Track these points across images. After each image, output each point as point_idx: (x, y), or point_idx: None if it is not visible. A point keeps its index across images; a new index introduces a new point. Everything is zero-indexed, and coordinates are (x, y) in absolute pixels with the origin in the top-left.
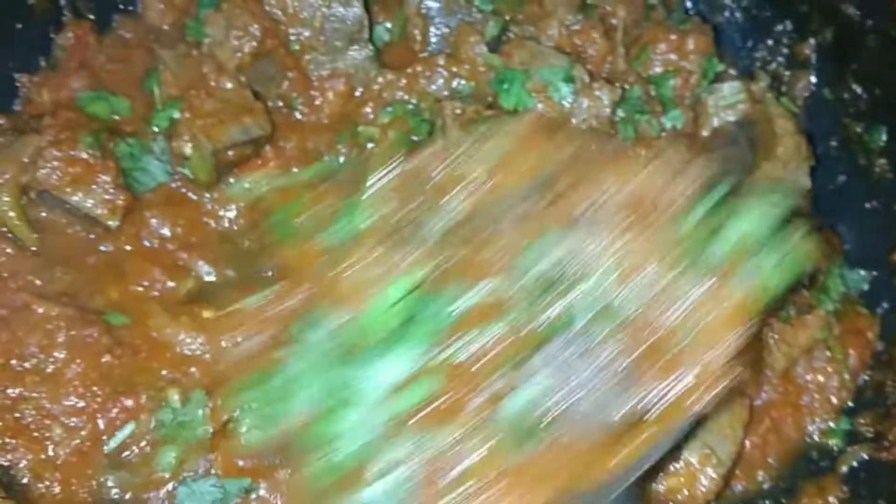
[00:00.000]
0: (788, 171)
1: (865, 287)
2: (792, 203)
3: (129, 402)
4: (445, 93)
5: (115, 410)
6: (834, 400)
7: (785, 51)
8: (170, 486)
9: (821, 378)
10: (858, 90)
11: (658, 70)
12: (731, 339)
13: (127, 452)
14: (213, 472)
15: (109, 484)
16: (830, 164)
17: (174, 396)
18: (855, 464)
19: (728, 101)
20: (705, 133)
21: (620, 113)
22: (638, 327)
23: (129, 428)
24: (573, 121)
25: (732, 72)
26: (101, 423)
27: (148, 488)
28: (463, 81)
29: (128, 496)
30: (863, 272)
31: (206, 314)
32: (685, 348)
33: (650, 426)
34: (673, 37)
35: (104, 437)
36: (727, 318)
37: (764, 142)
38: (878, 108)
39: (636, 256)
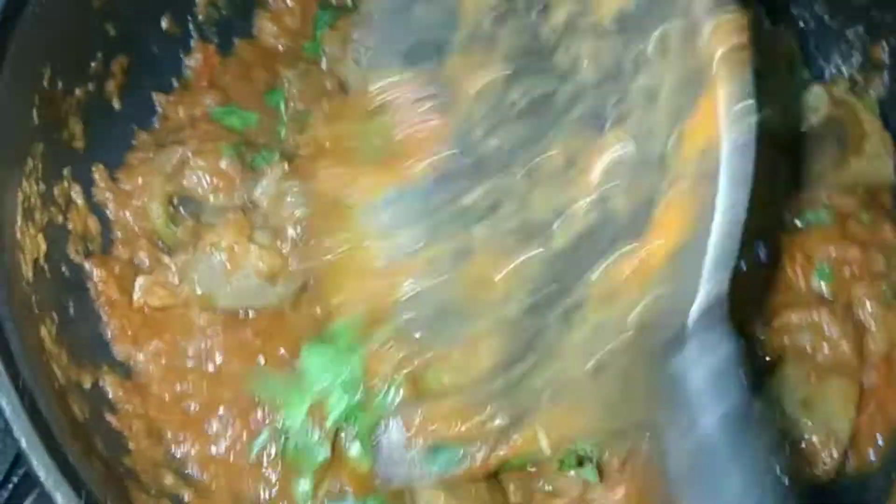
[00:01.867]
0: (874, 166)
1: None
2: None
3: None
4: None
5: (258, 412)
6: None
7: (858, 55)
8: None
9: None
10: None
11: None
12: None
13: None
14: (347, 490)
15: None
16: None
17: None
18: None
19: (814, 104)
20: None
21: None
22: None
23: (263, 436)
24: None
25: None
26: (247, 423)
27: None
28: None
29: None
30: None
31: None
32: None
33: None
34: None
35: (246, 440)
36: None
37: (852, 139)
38: None
39: None
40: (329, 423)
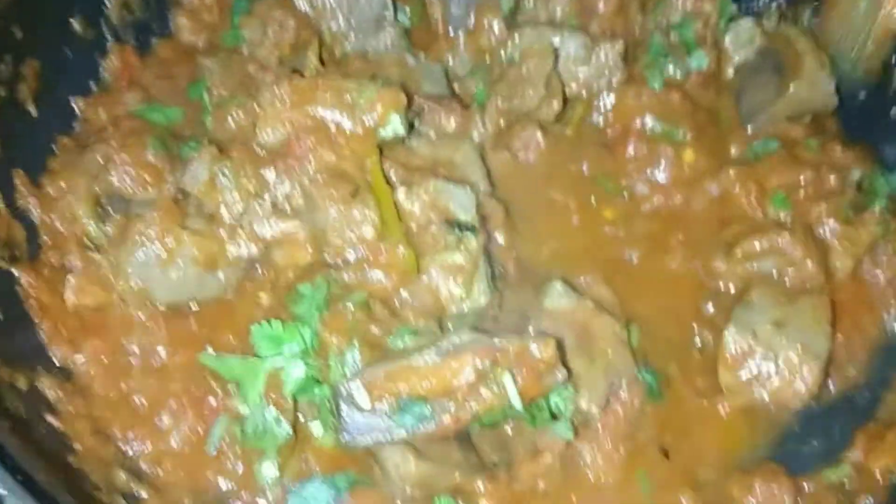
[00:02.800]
0: (816, 88)
1: None
2: None
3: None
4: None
5: (211, 400)
6: None
7: None
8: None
9: (889, 272)
10: None
11: (677, 18)
12: None
13: (228, 463)
14: (315, 469)
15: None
16: (850, 85)
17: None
18: None
19: (745, 37)
20: (730, 70)
21: (646, 60)
22: None
23: (220, 424)
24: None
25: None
26: (200, 413)
27: (257, 491)
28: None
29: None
30: None
31: None
32: None
33: None
34: None
35: (202, 431)
36: None
37: (789, 64)
38: None
39: None
40: (286, 396)
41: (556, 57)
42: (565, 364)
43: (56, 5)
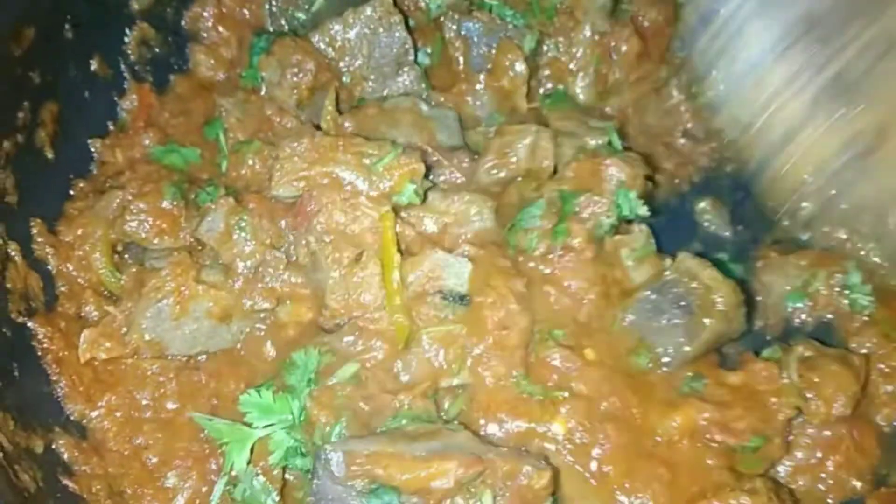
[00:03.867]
0: (731, 322)
1: None
2: None
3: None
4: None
5: (213, 462)
6: None
7: None
8: None
9: None
10: None
11: None
12: None
13: None
14: None
15: None
16: None
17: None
18: None
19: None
20: None
21: None
22: None
23: (220, 486)
24: None
25: None
26: (203, 474)
27: None
28: None
29: None
30: None
31: None
32: None
33: None
34: None
35: (205, 492)
36: None
37: (697, 301)
38: None
39: None
40: (272, 465)
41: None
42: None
43: (75, 48)
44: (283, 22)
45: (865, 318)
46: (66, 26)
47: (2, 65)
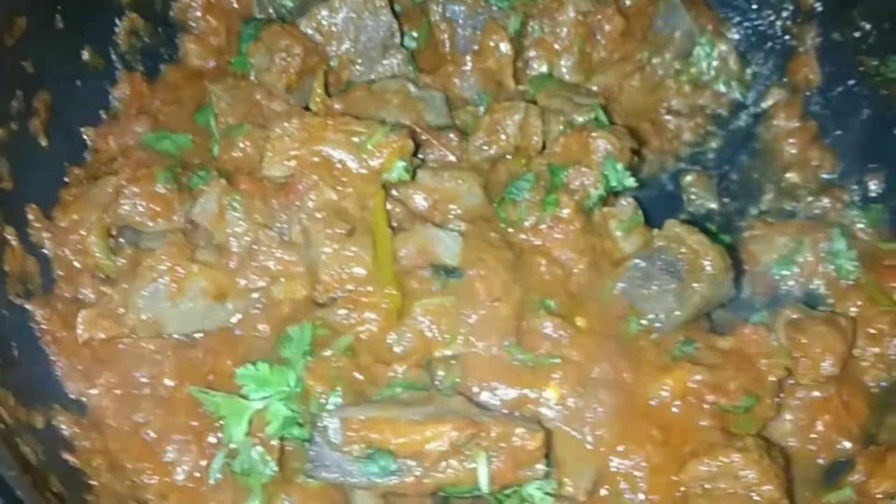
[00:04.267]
0: (720, 287)
1: None
2: None
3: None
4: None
5: (212, 436)
6: None
7: (790, 5)
8: None
9: None
10: (867, 27)
11: None
12: None
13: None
14: None
15: None
16: (853, 102)
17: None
18: None
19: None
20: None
21: None
22: None
23: (219, 459)
24: None
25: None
26: (202, 448)
27: None
28: None
29: None
30: None
31: None
32: None
33: None
34: None
35: (204, 465)
36: None
37: (686, 266)
38: (888, 41)
39: None
40: (269, 436)
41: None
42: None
43: (67, 37)
44: (270, 10)
45: (851, 283)
46: (58, 17)
47: None
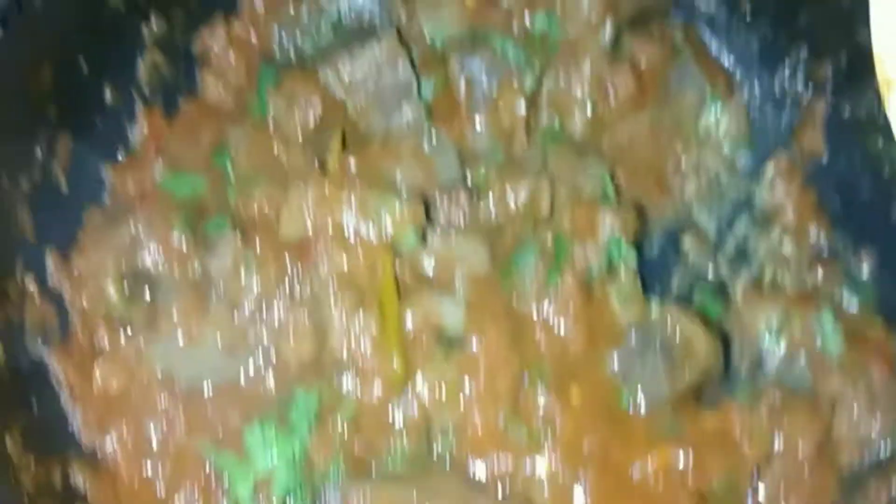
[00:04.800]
0: (709, 370)
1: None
2: None
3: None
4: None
5: (219, 491)
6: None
7: (802, 74)
8: None
9: None
10: (877, 107)
11: None
12: None
13: None
14: None
15: None
16: (855, 177)
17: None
18: None
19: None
20: None
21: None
22: None
23: None
24: None
25: None
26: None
27: None
28: None
29: None
30: None
31: None
32: None
33: None
34: None
35: None
36: None
37: (678, 348)
38: None
39: None
40: (275, 498)
41: None
42: None
43: (90, 79)
44: (290, 50)
45: (834, 362)
46: (82, 59)
47: (21, 104)
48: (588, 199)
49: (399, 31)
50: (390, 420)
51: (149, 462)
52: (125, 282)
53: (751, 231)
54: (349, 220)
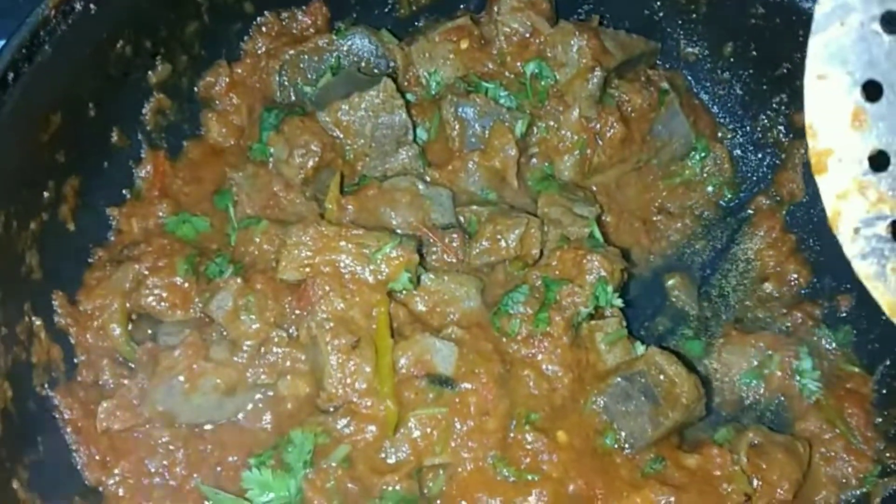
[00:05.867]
0: (692, 413)
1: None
2: None
3: None
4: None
5: None
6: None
7: (783, 120)
8: None
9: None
10: None
11: None
12: None
13: None
14: None
15: None
16: None
17: None
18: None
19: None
20: None
21: None
22: None
23: None
24: None
25: None
26: None
27: None
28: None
29: None
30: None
31: None
32: None
33: None
34: None
35: None
36: None
37: (662, 392)
38: None
39: None
40: None
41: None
42: None
43: (97, 124)
44: (291, 93)
45: (812, 403)
46: (90, 105)
47: (30, 152)
48: (576, 241)
49: (396, 77)
50: (383, 462)
51: (149, 499)
52: (130, 322)
53: (732, 273)
54: (346, 262)
